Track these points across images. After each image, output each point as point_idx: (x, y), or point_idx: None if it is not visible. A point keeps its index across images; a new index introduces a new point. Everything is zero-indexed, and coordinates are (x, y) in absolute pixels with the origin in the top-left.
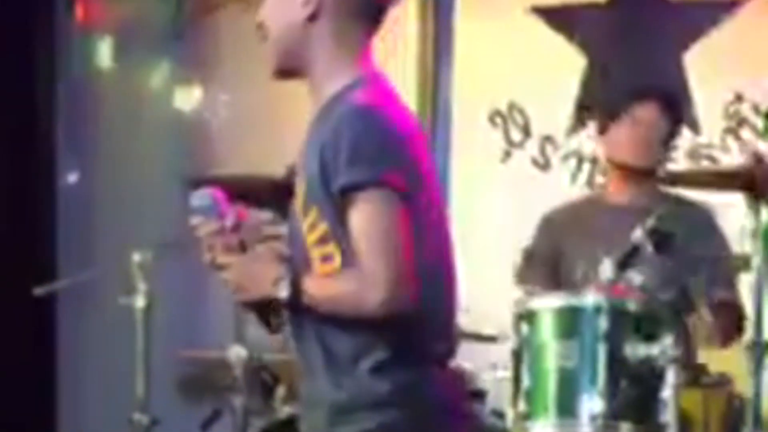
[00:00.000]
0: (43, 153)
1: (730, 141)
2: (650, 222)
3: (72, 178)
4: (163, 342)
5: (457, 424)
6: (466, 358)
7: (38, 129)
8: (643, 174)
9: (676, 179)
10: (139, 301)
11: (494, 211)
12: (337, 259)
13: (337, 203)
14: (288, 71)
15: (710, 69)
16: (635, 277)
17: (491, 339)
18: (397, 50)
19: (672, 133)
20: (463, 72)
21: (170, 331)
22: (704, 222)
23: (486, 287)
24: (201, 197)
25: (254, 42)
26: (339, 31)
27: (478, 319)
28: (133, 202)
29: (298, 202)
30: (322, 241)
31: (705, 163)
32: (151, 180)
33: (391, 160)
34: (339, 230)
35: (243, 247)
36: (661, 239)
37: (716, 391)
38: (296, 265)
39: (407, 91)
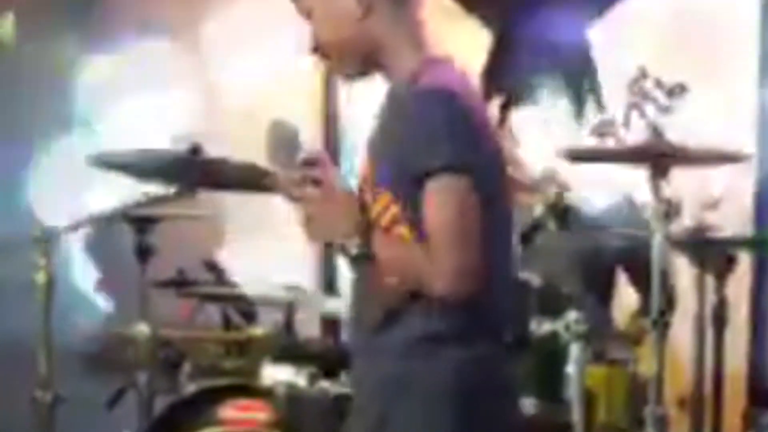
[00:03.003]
0: None
1: (634, 117)
2: (551, 197)
3: None
4: (65, 319)
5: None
6: None
7: None
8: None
9: (581, 156)
10: (40, 278)
11: None
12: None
13: (413, 185)
14: (362, 73)
15: (614, 44)
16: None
17: None
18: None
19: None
20: None
21: (72, 308)
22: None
23: None
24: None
25: (164, 13)
26: (395, 19)
27: None
28: (36, 180)
29: (365, 185)
30: (394, 222)
31: (609, 140)
32: (55, 158)
33: (472, 146)
34: (411, 213)
35: (317, 183)
36: (562, 215)
37: (620, 368)
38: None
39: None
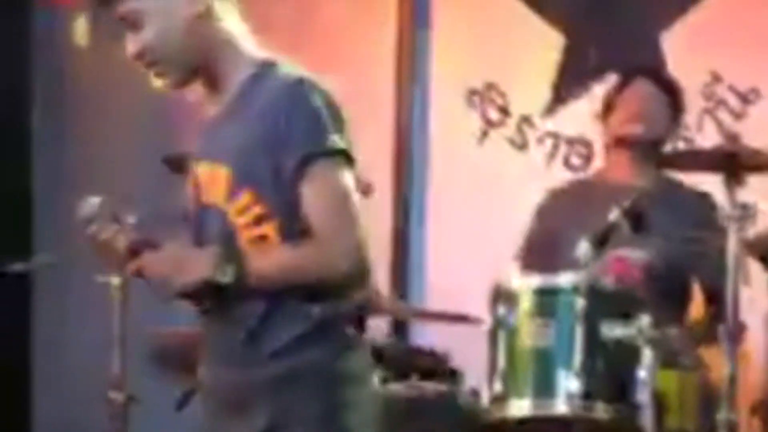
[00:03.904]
0: (19, 131)
1: (707, 122)
2: (627, 201)
3: (49, 155)
4: (139, 320)
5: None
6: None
7: (14, 107)
8: (645, 151)
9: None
10: (115, 279)
11: (471, 191)
12: (274, 238)
13: (285, 178)
14: (191, 78)
15: (688, 49)
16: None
17: (463, 319)
18: (373, 34)
19: (674, 109)
20: (440, 52)
21: (146, 308)
22: (695, 206)
23: (463, 267)
24: (90, 205)
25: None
26: (227, 23)
27: (458, 301)
28: (110, 179)
29: (215, 190)
30: (257, 222)
31: (681, 145)
32: (129, 158)
33: (345, 129)
34: (282, 207)
35: (153, 244)
36: (637, 219)
37: (692, 373)
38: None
39: (385, 72)
